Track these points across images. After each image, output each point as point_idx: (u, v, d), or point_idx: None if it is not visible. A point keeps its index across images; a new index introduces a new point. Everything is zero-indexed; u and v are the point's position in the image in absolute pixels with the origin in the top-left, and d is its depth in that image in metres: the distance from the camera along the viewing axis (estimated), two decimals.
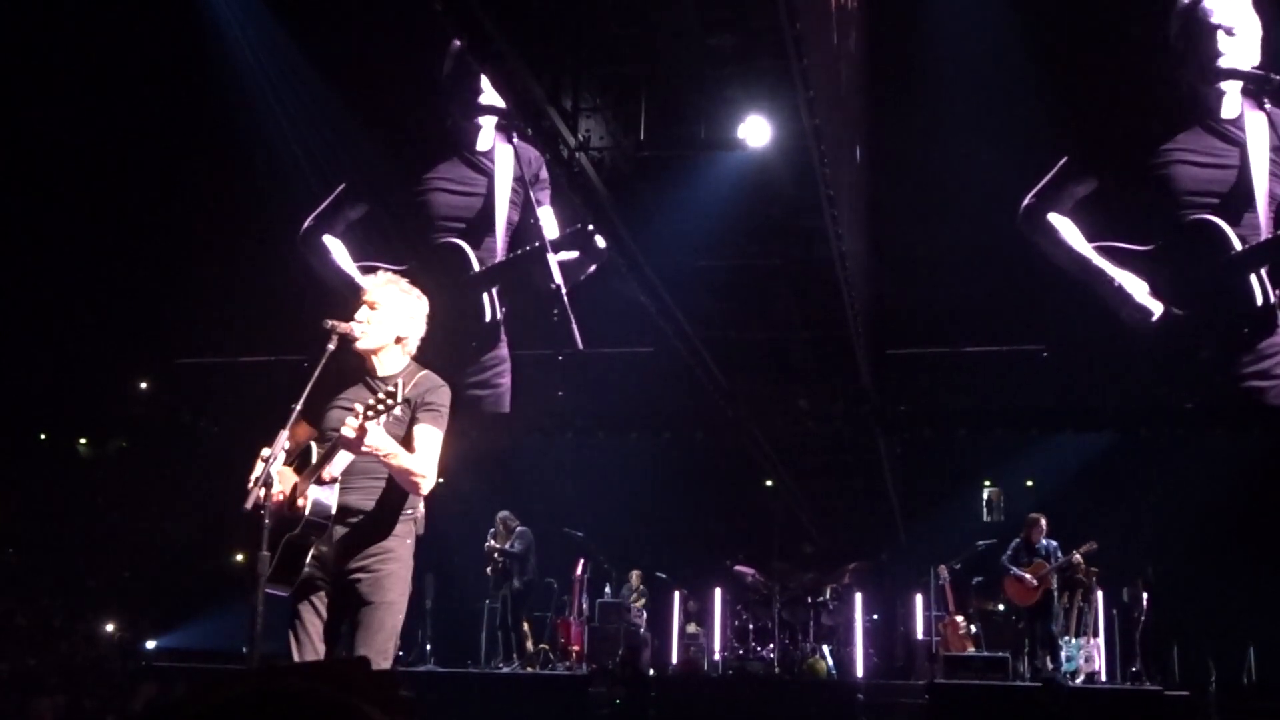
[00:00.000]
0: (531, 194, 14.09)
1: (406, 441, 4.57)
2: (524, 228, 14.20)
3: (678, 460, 15.63)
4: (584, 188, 8.54)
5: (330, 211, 14.64)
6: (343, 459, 4.55)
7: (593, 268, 13.72)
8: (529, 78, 7.63)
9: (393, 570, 4.60)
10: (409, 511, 4.68)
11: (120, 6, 13.83)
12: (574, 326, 13.70)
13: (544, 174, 13.93)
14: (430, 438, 4.61)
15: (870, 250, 12.35)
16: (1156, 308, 12.79)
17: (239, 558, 13.60)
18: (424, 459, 4.56)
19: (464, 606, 14.36)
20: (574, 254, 13.83)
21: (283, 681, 0.93)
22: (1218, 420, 13.10)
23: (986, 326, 13.21)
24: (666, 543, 15.89)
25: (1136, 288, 12.85)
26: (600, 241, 12.42)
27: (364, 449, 4.40)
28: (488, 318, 14.18)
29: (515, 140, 14.10)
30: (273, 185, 14.62)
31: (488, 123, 14.36)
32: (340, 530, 4.57)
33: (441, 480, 4.66)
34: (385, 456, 4.43)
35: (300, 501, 4.52)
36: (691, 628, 14.39)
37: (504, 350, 14.19)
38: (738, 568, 13.78)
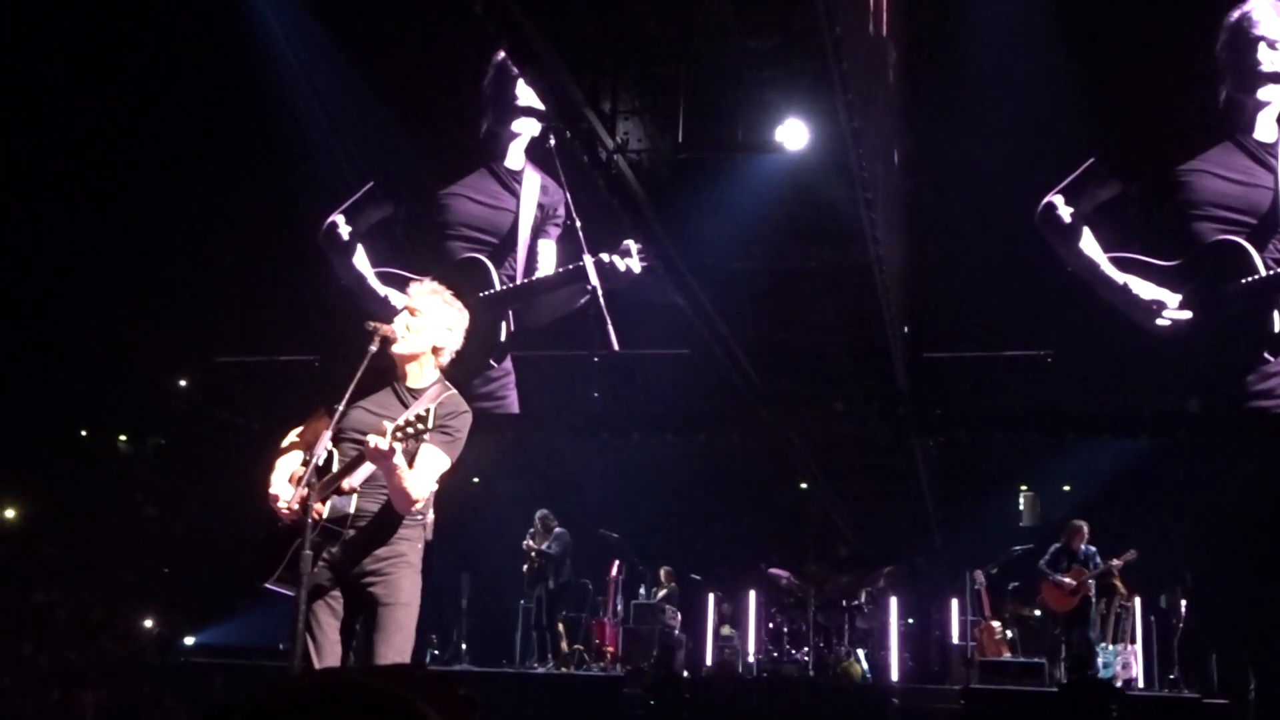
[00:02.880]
0: (545, 225, 14.19)
1: (413, 457, 4.54)
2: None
3: (713, 462, 15.61)
4: (622, 190, 8.56)
5: (355, 210, 14.71)
6: (364, 470, 4.55)
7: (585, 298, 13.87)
8: (568, 80, 7.65)
9: (405, 574, 4.62)
10: (419, 517, 4.67)
11: (166, 4, 13.94)
12: (610, 328, 13.72)
13: (561, 211, 13.99)
14: (434, 460, 4.56)
15: (908, 253, 12.29)
16: (1170, 300, 12.64)
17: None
18: (420, 478, 4.51)
19: (499, 606, 14.42)
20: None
21: (345, 677, 0.94)
22: (1253, 427, 12.96)
23: (1024, 330, 13.13)
24: (701, 544, 15.87)
25: (1144, 289, 12.70)
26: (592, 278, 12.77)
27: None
28: (503, 336, 14.23)
29: (548, 163, 14.16)
30: (313, 186, 14.71)
31: (519, 140, 14.39)
32: (350, 533, 4.58)
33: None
34: (390, 471, 4.41)
35: (319, 507, 4.53)
36: (726, 630, 14.37)
37: (508, 363, 14.25)
38: (772, 570, 13.75)
